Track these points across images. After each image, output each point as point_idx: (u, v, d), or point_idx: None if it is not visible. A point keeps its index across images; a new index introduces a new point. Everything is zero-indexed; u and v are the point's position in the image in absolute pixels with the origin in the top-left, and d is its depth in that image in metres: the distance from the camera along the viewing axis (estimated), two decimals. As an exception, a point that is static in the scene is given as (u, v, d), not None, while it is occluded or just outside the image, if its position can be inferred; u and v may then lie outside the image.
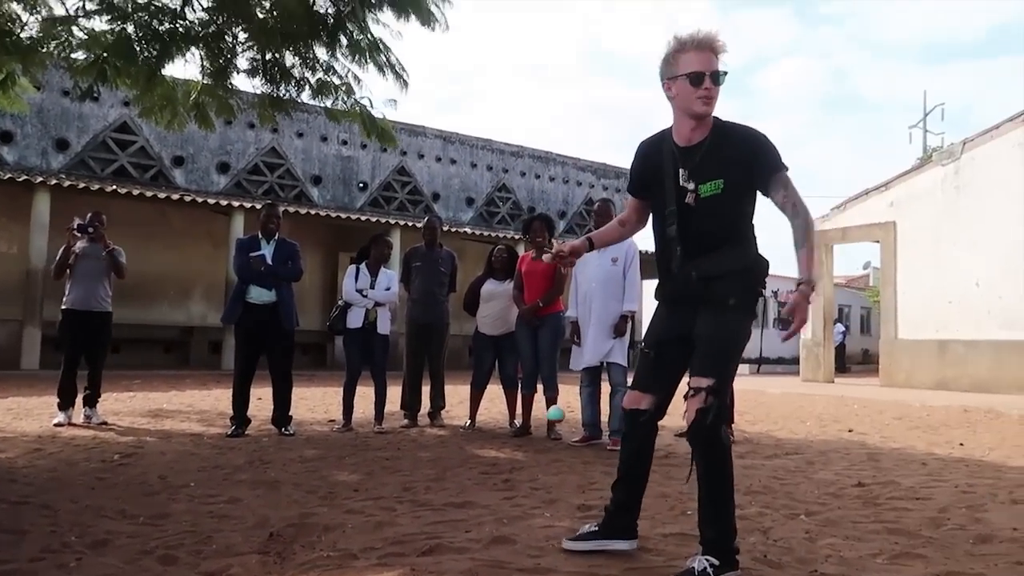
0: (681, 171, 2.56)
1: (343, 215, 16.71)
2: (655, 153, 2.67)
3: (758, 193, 2.58)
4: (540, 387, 5.88)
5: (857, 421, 7.78)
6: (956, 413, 8.86)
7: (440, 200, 20.25)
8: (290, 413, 5.99)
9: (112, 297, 6.36)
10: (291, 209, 15.42)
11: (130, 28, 5.60)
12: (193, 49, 6.01)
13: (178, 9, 5.72)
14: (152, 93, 6.37)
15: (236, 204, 14.91)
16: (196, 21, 5.89)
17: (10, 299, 13.39)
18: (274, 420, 5.92)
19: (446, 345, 6.80)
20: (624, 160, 33.75)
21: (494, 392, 6.57)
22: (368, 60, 6.09)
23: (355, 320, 6.12)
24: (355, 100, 6.48)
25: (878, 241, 15.28)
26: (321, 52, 6.21)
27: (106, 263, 6.24)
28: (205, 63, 6.26)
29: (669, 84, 2.56)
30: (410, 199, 19.76)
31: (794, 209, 2.50)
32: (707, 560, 2.35)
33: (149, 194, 14.29)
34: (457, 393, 7.80)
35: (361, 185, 19.10)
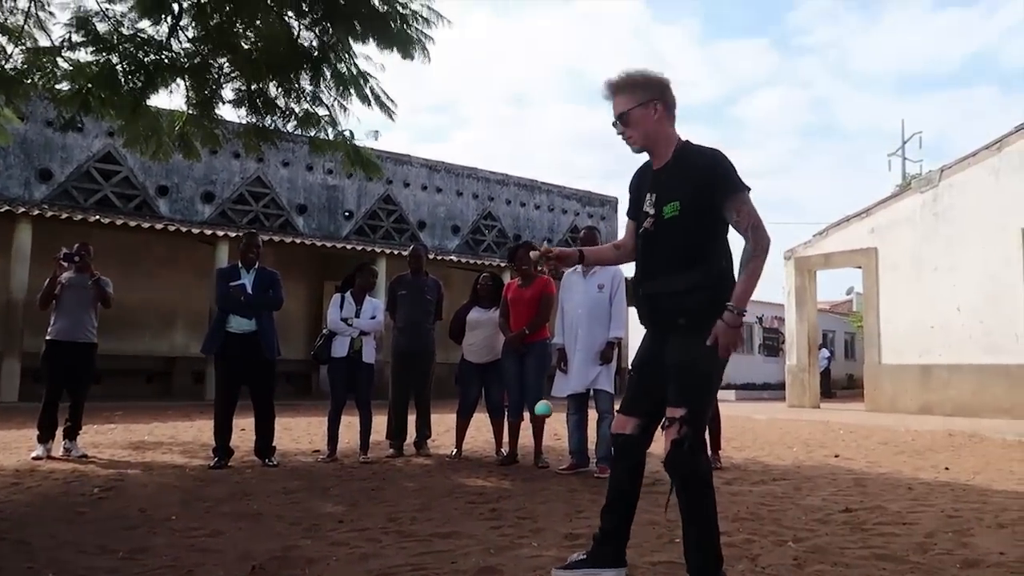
0: (648, 195, 2.63)
1: (328, 244, 16.69)
2: (640, 176, 2.77)
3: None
4: (526, 415, 5.85)
5: (843, 446, 7.80)
6: (941, 437, 8.90)
7: (426, 228, 20.29)
8: (273, 443, 5.92)
9: (97, 328, 6.29)
10: (276, 238, 15.41)
11: (115, 59, 5.63)
12: (178, 80, 6.05)
13: (163, 40, 5.76)
14: (137, 123, 6.38)
15: (220, 233, 14.85)
16: (181, 52, 5.93)
17: (-10, 331, 13.22)
18: (257, 451, 5.84)
19: (432, 373, 6.76)
20: (609, 188, 34.02)
21: (480, 421, 6.53)
22: (352, 91, 6.15)
23: (340, 349, 6.09)
24: (338, 132, 6.52)
25: (860, 267, 15.44)
26: (306, 83, 6.26)
27: (92, 293, 6.18)
28: (190, 93, 6.29)
29: None
30: (396, 227, 19.79)
31: (747, 232, 2.49)
32: (695, 588, 2.33)
33: (132, 224, 14.19)
34: (443, 422, 7.75)
35: (347, 214, 19.12)
